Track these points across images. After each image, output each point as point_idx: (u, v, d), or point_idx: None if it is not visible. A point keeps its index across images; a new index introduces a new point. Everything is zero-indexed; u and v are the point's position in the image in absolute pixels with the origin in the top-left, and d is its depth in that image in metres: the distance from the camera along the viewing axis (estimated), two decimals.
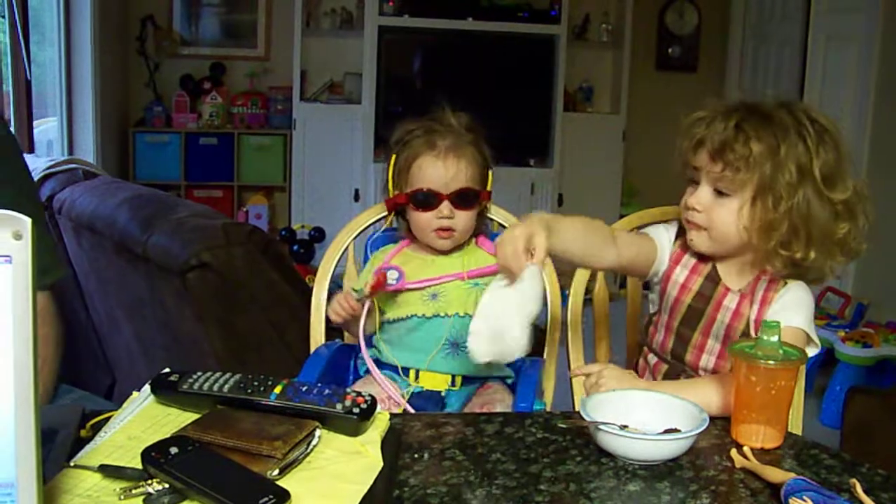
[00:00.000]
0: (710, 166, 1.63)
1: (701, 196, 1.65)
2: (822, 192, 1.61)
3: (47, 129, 5.27)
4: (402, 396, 1.84)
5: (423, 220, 1.87)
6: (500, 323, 1.43)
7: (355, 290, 1.87)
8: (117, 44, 5.89)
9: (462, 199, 1.86)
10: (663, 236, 1.78)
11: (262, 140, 6.16)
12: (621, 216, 5.85)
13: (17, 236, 0.82)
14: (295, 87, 5.98)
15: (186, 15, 6.23)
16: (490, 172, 1.93)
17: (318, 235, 5.68)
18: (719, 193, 1.64)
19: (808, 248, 1.61)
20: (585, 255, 1.64)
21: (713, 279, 1.73)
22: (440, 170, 1.86)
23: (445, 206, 1.85)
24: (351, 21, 6.11)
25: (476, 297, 1.84)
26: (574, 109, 6.27)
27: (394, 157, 1.93)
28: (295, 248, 5.68)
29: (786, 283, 1.68)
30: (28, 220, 0.83)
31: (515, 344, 1.42)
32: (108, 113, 5.60)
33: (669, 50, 6.62)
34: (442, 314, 1.86)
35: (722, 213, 1.64)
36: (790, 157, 1.60)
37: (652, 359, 1.83)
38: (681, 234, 1.77)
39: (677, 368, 1.77)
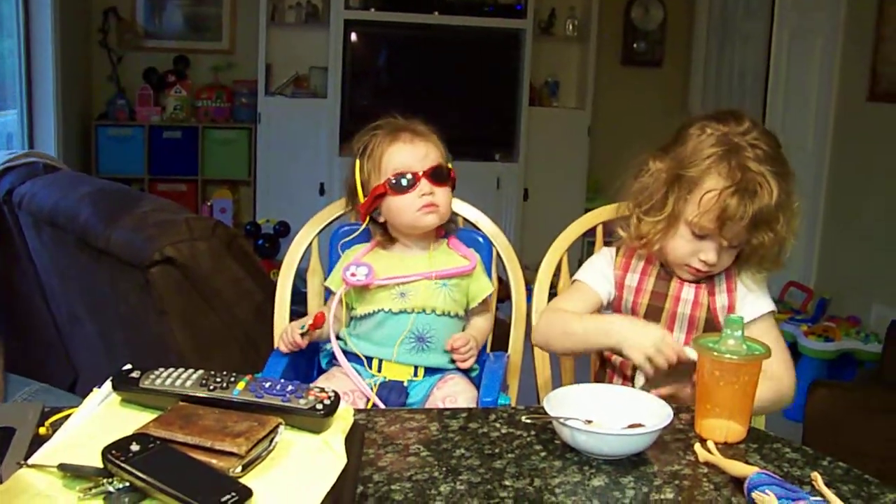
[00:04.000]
0: (737, 236, 1.68)
1: (717, 257, 1.71)
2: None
3: (7, 121, 5.20)
4: (366, 385, 1.86)
5: (406, 203, 1.89)
6: None
7: (300, 329, 1.89)
8: (79, 36, 5.83)
9: (437, 175, 1.90)
10: (600, 277, 1.86)
11: (226, 134, 6.13)
12: (586, 210, 5.88)
13: None
14: (260, 80, 5.95)
15: (150, 7, 6.17)
16: (450, 166, 1.94)
17: (283, 230, 5.66)
18: (730, 246, 1.71)
19: (779, 258, 1.73)
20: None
21: (664, 277, 1.81)
22: (411, 152, 1.90)
23: (425, 184, 1.89)
24: (316, 14, 6.08)
25: (444, 297, 1.88)
26: (540, 104, 6.28)
27: (358, 163, 1.93)
28: (260, 242, 5.65)
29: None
30: None
31: None
32: (69, 106, 5.54)
33: (635, 45, 6.65)
34: (409, 310, 1.88)
35: (728, 259, 1.75)
36: (793, 203, 1.69)
37: (617, 359, 1.85)
38: (620, 247, 1.86)
39: None
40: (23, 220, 3.03)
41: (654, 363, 1.60)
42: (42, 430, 1.25)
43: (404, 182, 1.88)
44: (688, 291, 1.78)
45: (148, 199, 2.80)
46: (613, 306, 1.86)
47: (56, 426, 1.23)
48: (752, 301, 1.78)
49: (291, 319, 2.03)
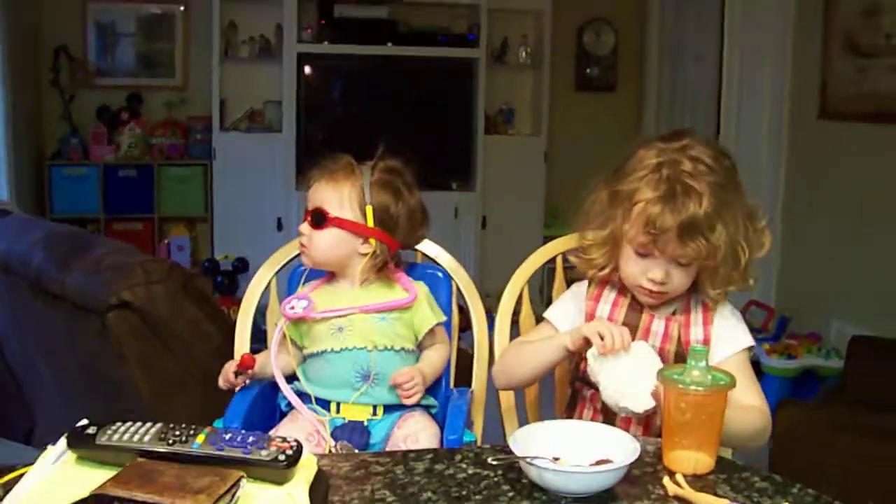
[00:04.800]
0: (674, 249, 1.65)
1: (665, 274, 1.69)
2: (752, 227, 1.70)
3: None
4: (324, 426, 1.84)
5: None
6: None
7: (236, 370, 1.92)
8: (29, 75, 5.76)
9: (313, 218, 1.91)
10: (564, 317, 1.85)
11: (182, 171, 6.07)
12: (544, 237, 5.89)
13: None
14: (214, 116, 5.90)
15: (101, 45, 6.11)
16: (369, 208, 1.91)
17: (242, 266, 5.60)
18: (678, 264, 1.68)
19: (745, 275, 1.70)
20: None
21: (636, 309, 1.78)
22: (312, 192, 1.93)
23: (304, 225, 1.92)
24: (269, 48, 6.06)
25: (384, 332, 1.87)
26: (496, 132, 6.28)
27: None
28: (219, 279, 5.59)
29: (715, 303, 1.76)
30: None
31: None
32: (21, 146, 5.47)
33: (588, 70, 6.68)
34: (350, 347, 1.88)
35: (680, 278, 1.71)
36: (739, 215, 1.67)
37: (587, 391, 1.83)
38: (594, 278, 1.83)
39: None
40: None
41: (605, 338, 1.59)
42: None
43: (303, 219, 1.93)
44: (658, 324, 1.76)
45: (102, 241, 2.77)
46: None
47: (8, 487, 1.19)
48: (729, 336, 1.76)
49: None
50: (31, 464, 1.24)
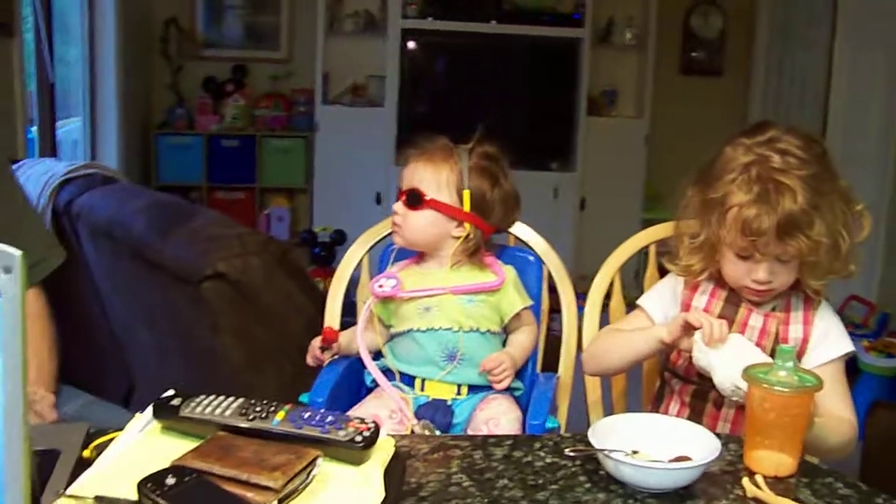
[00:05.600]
0: (774, 249, 1.62)
1: (769, 274, 1.66)
2: (849, 211, 1.66)
3: (72, 129, 5.29)
4: (408, 404, 1.86)
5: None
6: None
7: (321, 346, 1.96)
8: (140, 45, 5.90)
9: (409, 198, 1.92)
10: (659, 306, 1.83)
11: (283, 142, 6.16)
12: (644, 221, 5.82)
13: (7, 270, 0.81)
14: (317, 89, 5.97)
15: (209, 17, 6.24)
16: (466, 192, 1.91)
17: (340, 238, 5.66)
18: (780, 261, 1.65)
19: (846, 262, 1.66)
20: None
21: (733, 302, 1.75)
22: (408, 172, 1.94)
23: (398, 204, 1.94)
24: (374, 23, 6.09)
25: (470, 314, 1.88)
26: (597, 114, 6.21)
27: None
28: (316, 250, 5.67)
29: (819, 302, 1.74)
30: (18, 254, 0.81)
31: None
32: (130, 114, 5.61)
33: (694, 54, 6.56)
34: (436, 327, 1.89)
35: (785, 275, 1.68)
36: (835, 202, 1.63)
37: (676, 383, 1.82)
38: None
39: (706, 387, 1.75)
40: (81, 230, 3.06)
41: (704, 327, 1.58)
42: (86, 454, 1.25)
43: (398, 196, 1.95)
44: (756, 318, 1.73)
45: (201, 212, 2.82)
46: None
47: (100, 449, 1.24)
48: (832, 340, 1.73)
49: (343, 329, 2.06)
50: (122, 429, 1.28)
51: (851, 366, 4.12)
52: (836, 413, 1.64)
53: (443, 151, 1.93)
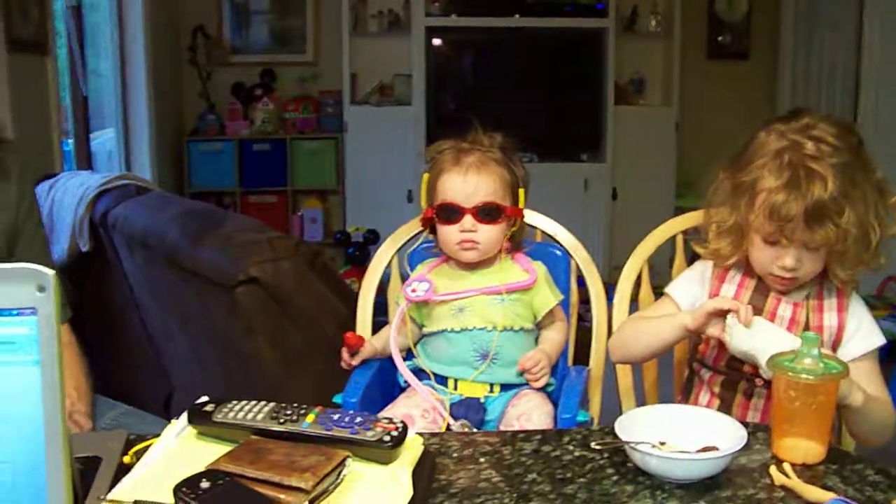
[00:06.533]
0: (802, 235, 1.61)
1: (796, 261, 1.66)
2: (882, 204, 1.66)
3: (106, 139, 5.37)
4: (444, 405, 1.88)
5: (448, 233, 1.92)
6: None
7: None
8: (170, 54, 5.98)
9: (484, 212, 1.89)
10: (687, 294, 1.83)
11: (314, 144, 6.21)
12: (676, 209, 5.79)
13: (41, 289, 0.84)
14: (345, 90, 6.02)
15: (236, 23, 6.30)
16: (522, 191, 1.93)
17: (373, 237, 5.71)
18: (808, 249, 1.65)
19: (876, 254, 1.66)
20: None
21: (762, 291, 1.75)
22: (461, 185, 1.89)
23: (468, 220, 1.89)
24: (398, 22, 6.12)
25: (504, 313, 1.89)
26: (626, 103, 6.20)
27: (425, 174, 1.96)
28: (350, 250, 5.72)
29: (850, 292, 1.74)
30: (51, 273, 0.85)
31: None
32: (162, 123, 5.68)
33: (720, 38, 6.53)
34: (471, 327, 1.90)
35: (812, 263, 1.67)
36: (868, 193, 1.62)
37: (705, 373, 1.82)
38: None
39: (735, 377, 1.76)
40: (117, 240, 3.12)
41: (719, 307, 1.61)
42: (126, 459, 1.29)
43: (449, 214, 1.90)
44: (785, 308, 1.73)
45: (233, 218, 2.86)
46: None
47: (139, 455, 1.27)
48: (864, 333, 1.73)
49: (375, 332, 2.08)
50: (159, 435, 1.32)
51: (892, 349, 4.10)
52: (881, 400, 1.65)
53: (486, 155, 1.92)
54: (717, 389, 1.81)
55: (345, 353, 1.96)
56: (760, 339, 1.58)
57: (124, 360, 3.34)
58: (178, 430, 1.29)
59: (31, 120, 3.79)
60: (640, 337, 1.81)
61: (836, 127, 1.64)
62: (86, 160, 4.86)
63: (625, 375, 2.04)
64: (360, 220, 5.94)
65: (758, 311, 1.70)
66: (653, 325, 1.78)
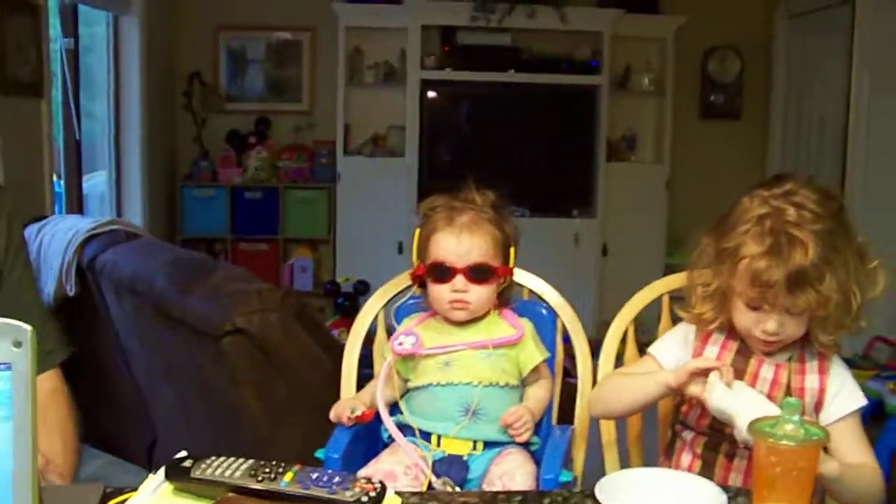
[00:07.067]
0: (784, 301, 1.62)
1: (778, 325, 1.66)
2: (863, 269, 1.67)
3: (98, 182, 5.38)
4: (426, 462, 1.86)
5: (439, 292, 1.92)
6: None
7: (351, 412, 1.92)
8: (165, 100, 6.02)
9: (476, 273, 1.90)
10: (669, 355, 1.83)
11: (306, 193, 6.24)
12: (666, 266, 5.78)
13: (17, 344, 0.84)
14: (338, 140, 6.05)
15: (232, 71, 6.36)
16: (512, 250, 1.95)
17: (363, 288, 5.71)
18: (790, 314, 1.65)
19: (857, 318, 1.67)
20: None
21: (744, 353, 1.76)
22: (454, 245, 1.90)
23: (459, 280, 1.89)
24: (394, 74, 6.17)
25: (490, 368, 1.89)
26: (618, 159, 6.25)
27: (417, 230, 1.97)
28: (339, 300, 5.71)
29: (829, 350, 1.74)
30: (28, 329, 0.84)
31: None
32: (155, 167, 5.71)
33: (712, 98, 6.59)
34: (456, 382, 1.89)
35: (794, 327, 1.68)
36: (849, 258, 1.64)
37: (688, 435, 1.82)
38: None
39: (718, 438, 1.76)
40: (105, 286, 3.11)
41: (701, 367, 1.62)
42: None
43: (441, 273, 1.91)
44: (767, 370, 1.74)
45: (222, 267, 2.86)
46: None
47: None
48: (846, 395, 1.73)
49: (360, 385, 2.07)
50: (137, 489, 1.31)
51: (877, 409, 4.11)
52: (861, 461, 1.64)
53: (479, 214, 1.93)
54: (699, 450, 1.80)
55: (343, 417, 1.92)
56: (739, 400, 1.58)
57: (109, 406, 3.32)
58: (155, 485, 1.28)
59: (23, 161, 3.80)
60: (621, 392, 1.81)
61: (818, 193, 1.66)
62: (77, 202, 4.88)
63: (608, 430, 2.02)
64: (350, 271, 5.94)
65: (740, 372, 1.71)
66: (635, 382, 1.79)
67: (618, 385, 1.84)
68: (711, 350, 1.79)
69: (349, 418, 1.91)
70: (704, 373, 1.63)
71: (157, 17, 5.62)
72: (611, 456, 2.02)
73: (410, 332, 1.95)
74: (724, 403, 1.60)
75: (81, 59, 4.99)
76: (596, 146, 6.06)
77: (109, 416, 3.34)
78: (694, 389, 1.65)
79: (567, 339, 2.11)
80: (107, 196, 5.44)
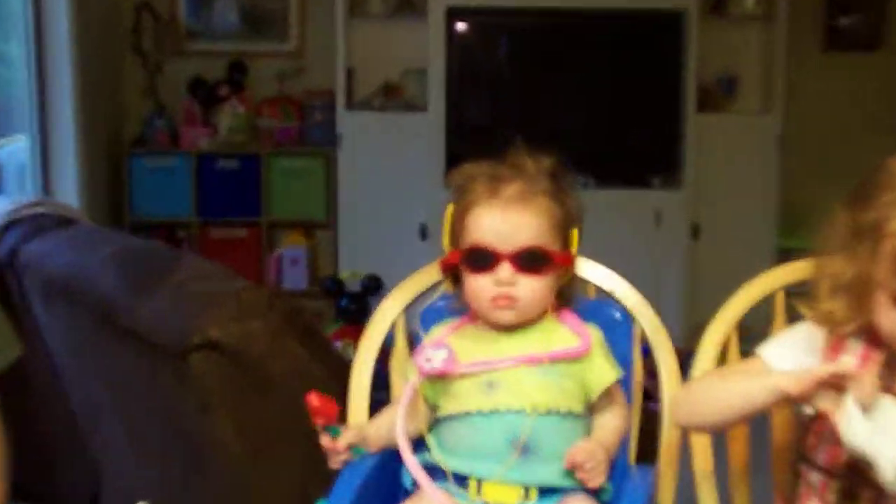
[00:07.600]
0: None
1: None
2: None
3: (16, 150, 5.35)
4: None
5: (478, 286, 1.89)
6: None
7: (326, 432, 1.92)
8: (106, 38, 6.01)
9: (527, 260, 1.87)
10: (789, 360, 1.79)
11: (297, 162, 6.27)
12: (780, 252, 5.75)
13: None
14: (339, 90, 6.05)
15: (195, 1, 6.36)
16: (575, 232, 1.93)
17: (374, 285, 5.70)
18: None
19: None
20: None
21: (894, 366, 1.72)
22: (499, 223, 1.88)
23: (505, 269, 1.86)
24: (410, 2, 6.15)
25: (549, 390, 1.86)
26: (712, 109, 6.21)
27: (450, 207, 1.95)
28: (343, 302, 5.71)
29: None
30: None
31: None
32: (94, 129, 5.70)
33: (841, 21, 6.53)
34: (501, 409, 1.86)
35: None
36: None
37: (815, 478, 1.80)
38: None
39: (857, 482, 1.74)
40: (29, 286, 3.14)
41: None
42: None
43: (481, 260, 1.89)
44: None
45: (187, 261, 2.88)
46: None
47: None
48: None
49: (374, 411, 2.06)
50: None
51: None
52: None
53: (529, 186, 1.90)
54: (832, 498, 1.79)
55: (332, 445, 1.92)
56: (886, 430, 1.57)
57: (37, 446, 3.34)
58: None
59: None
60: (716, 395, 1.79)
61: None
62: None
63: (703, 454, 2.02)
64: (356, 263, 5.94)
65: (888, 391, 1.69)
66: (736, 383, 1.77)
67: (711, 386, 1.83)
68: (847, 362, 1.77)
69: (323, 429, 1.90)
70: (838, 383, 1.60)
71: None
72: (707, 492, 2.01)
73: (441, 345, 1.92)
74: (862, 437, 1.58)
75: None
76: (682, 92, 6.03)
77: (39, 461, 3.37)
78: (824, 404, 1.62)
79: (647, 352, 2.11)
80: (28, 168, 5.43)
